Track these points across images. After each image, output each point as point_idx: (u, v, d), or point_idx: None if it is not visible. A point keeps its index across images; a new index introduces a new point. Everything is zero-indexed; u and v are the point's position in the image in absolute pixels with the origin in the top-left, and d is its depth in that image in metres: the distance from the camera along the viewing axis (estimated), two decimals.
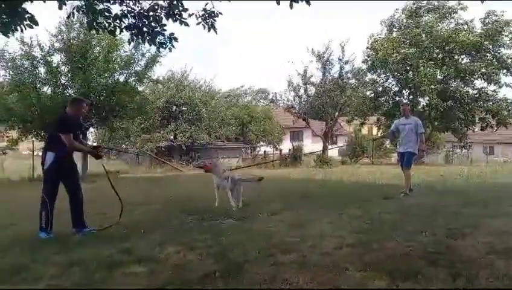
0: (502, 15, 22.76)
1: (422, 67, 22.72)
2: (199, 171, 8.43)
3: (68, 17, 6.39)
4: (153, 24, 5.31)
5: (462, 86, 23.89)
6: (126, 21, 5.24)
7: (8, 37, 4.74)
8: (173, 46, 5.55)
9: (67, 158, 5.13)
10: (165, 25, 5.33)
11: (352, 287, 2.89)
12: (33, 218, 5.19)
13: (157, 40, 5.40)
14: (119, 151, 17.92)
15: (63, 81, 15.27)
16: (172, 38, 5.48)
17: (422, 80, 22.62)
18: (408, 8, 25.14)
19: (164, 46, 5.53)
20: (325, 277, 3.07)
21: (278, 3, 4.59)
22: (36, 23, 4.52)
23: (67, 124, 5.03)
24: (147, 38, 5.37)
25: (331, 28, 77.91)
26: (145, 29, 5.29)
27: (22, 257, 3.94)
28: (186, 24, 5.25)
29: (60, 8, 4.74)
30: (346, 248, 3.82)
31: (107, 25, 5.13)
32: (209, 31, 5.35)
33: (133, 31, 5.29)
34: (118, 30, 5.24)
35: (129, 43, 5.88)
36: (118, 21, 5.15)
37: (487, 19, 23.25)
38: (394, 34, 25.41)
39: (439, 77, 23.24)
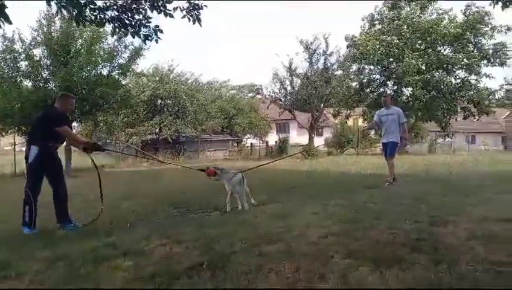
0: (484, 6, 23.13)
1: (406, 58, 22.97)
2: (184, 165, 8.40)
3: (57, 13, 6.23)
4: (136, 16, 5.22)
5: (445, 75, 24.26)
6: (109, 13, 5.14)
7: None
8: (159, 38, 5.47)
9: (52, 152, 5.06)
10: (150, 17, 5.25)
11: (338, 274, 2.93)
12: (15, 214, 5.11)
13: (142, 32, 5.32)
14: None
15: (44, 75, 14.98)
16: (157, 30, 5.40)
17: (405, 71, 22.89)
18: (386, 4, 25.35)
19: (150, 38, 5.44)
20: (310, 266, 3.10)
21: None
22: (9, 21, 4.31)
23: (61, 118, 4.99)
24: (131, 30, 5.28)
25: (319, 23, 77.68)
26: (127, 21, 5.20)
27: (4, 253, 3.88)
28: (171, 16, 5.18)
29: (49, 3, 4.61)
30: (331, 236, 3.87)
31: (93, 17, 5.02)
32: (194, 23, 5.30)
33: (116, 24, 5.20)
34: (104, 22, 5.13)
35: (112, 36, 5.74)
36: (102, 13, 5.04)
37: (468, 10, 23.60)
38: (377, 27, 25.59)
39: (422, 67, 23.54)
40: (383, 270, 2.96)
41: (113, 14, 5.14)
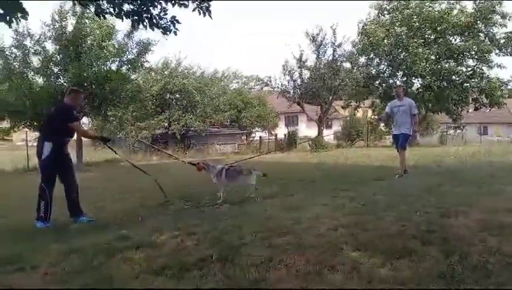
0: None
1: (414, 48, 22.69)
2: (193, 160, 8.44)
3: (74, 7, 6.28)
4: (152, 10, 5.21)
5: (456, 66, 23.91)
6: (127, 7, 5.13)
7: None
8: (177, 30, 5.44)
9: (64, 147, 5.12)
10: (166, 9, 5.23)
11: (348, 266, 2.93)
12: (28, 208, 5.19)
13: (160, 24, 5.30)
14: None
15: (55, 70, 15.11)
16: (175, 21, 5.37)
17: (414, 60, 22.62)
18: None
19: (168, 30, 5.41)
20: (320, 257, 3.11)
21: None
22: (26, 17, 4.38)
23: (72, 113, 5.06)
24: (149, 23, 5.26)
25: (324, 10, 76.73)
26: (145, 14, 5.18)
27: (19, 245, 3.96)
28: (185, 5, 5.15)
29: None
30: (341, 229, 3.87)
31: (112, 10, 5.03)
32: (204, 16, 5.25)
33: (135, 17, 5.18)
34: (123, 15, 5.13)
35: (133, 30, 5.71)
36: (119, 7, 5.04)
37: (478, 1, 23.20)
38: (386, 17, 25.28)
39: (432, 57, 23.21)
40: (394, 262, 2.95)
41: (129, 8, 5.13)
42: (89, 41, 14.81)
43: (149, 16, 5.19)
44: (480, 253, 3.03)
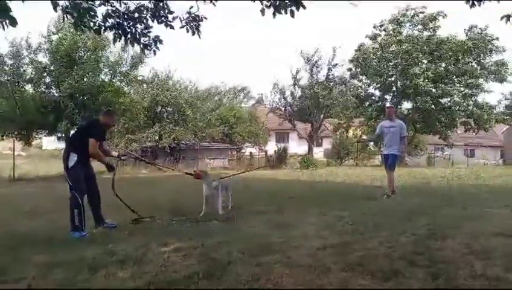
0: (485, 29, 23.89)
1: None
2: (182, 173, 8.39)
3: (63, 19, 6.31)
4: (138, 25, 5.26)
5: (448, 89, 24.64)
6: (111, 21, 5.17)
7: None
8: (158, 49, 5.50)
9: (88, 159, 5.33)
10: (150, 26, 5.28)
11: (335, 287, 2.93)
12: (12, 219, 5.10)
13: (142, 41, 5.35)
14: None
15: (47, 81, 15.05)
16: (157, 40, 5.43)
17: (406, 85, 23.28)
18: (393, 17, 25.76)
19: (149, 48, 5.47)
20: (308, 277, 3.10)
21: (263, 15, 4.57)
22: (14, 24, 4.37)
23: (96, 130, 5.26)
24: (130, 39, 5.31)
25: (321, 28, 77.73)
26: (127, 30, 5.23)
27: (2, 258, 3.87)
28: (172, 27, 5.21)
29: (55, 9, 4.66)
30: (329, 248, 3.87)
31: (91, 24, 5.07)
32: (193, 34, 5.30)
33: (118, 31, 5.23)
34: (102, 29, 5.17)
35: (114, 43, 5.77)
36: (102, 21, 5.09)
37: (470, 32, 24.32)
38: (381, 37, 25.95)
39: (422, 83, 23.82)
40: (381, 283, 2.96)
41: (113, 22, 5.17)
42: (81, 53, 14.81)
43: (133, 31, 5.24)
44: (465, 276, 3.05)
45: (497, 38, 24.17)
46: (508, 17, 4.74)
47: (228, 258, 3.62)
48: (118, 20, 5.18)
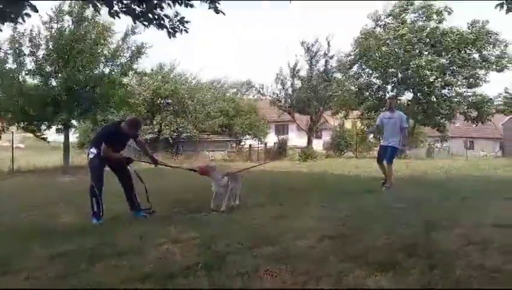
0: (487, 23, 23.89)
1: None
2: (184, 165, 8.40)
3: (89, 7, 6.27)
4: (158, 11, 5.18)
5: (452, 79, 24.66)
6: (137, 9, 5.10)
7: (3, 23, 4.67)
8: (187, 29, 5.38)
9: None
10: (177, 12, 5.22)
11: (333, 277, 2.94)
12: (12, 209, 5.11)
13: (168, 24, 5.26)
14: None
15: (47, 70, 14.89)
16: (183, 21, 5.31)
17: (407, 76, 23.19)
18: (390, 11, 25.60)
19: (177, 29, 5.36)
20: (306, 268, 3.11)
21: None
22: (35, 10, 4.43)
23: (109, 138, 5.45)
24: (155, 23, 5.23)
25: (320, 19, 77.16)
26: (150, 15, 5.15)
27: (3, 247, 3.89)
28: (191, 5, 5.14)
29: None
30: (327, 240, 3.88)
31: (124, 10, 5.00)
32: (217, 13, 5.14)
33: (146, 18, 5.15)
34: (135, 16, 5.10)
35: (144, 29, 5.61)
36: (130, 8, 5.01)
37: (472, 26, 24.31)
38: (378, 30, 25.78)
39: (427, 72, 23.78)
40: (379, 274, 2.97)
41: (142, 9, 5.11)
42: (81, 45, 14.64)
43: (156, 16, 5.18)
44: (463, 267, 3.06)
45: (497, 34, 24.25)
46: (501, 5, 4.78)
47: (227, 249, 3.63)
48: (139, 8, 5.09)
